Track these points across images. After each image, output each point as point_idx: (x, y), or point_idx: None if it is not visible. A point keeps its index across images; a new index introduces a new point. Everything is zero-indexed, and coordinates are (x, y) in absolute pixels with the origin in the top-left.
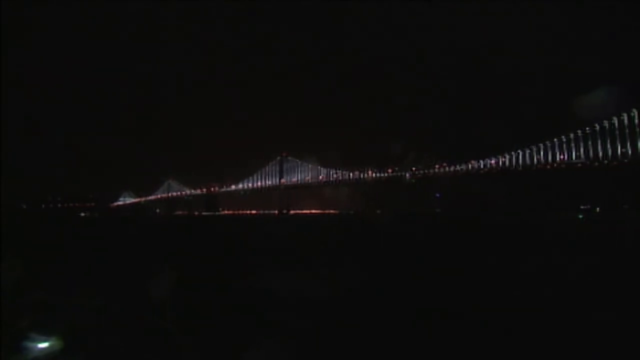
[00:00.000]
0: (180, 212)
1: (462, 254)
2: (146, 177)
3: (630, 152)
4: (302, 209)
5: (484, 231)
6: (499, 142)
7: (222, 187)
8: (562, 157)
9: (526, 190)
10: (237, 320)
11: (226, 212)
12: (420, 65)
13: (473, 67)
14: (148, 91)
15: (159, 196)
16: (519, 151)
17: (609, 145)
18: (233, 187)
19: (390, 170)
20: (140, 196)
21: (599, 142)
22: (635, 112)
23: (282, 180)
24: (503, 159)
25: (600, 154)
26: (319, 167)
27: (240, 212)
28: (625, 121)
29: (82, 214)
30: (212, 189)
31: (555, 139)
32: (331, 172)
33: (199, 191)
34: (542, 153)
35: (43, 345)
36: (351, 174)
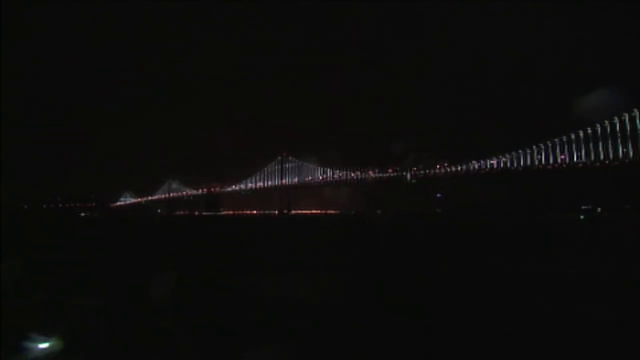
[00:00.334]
0: (180, 212)
1: (462, 254)
2: (147, 177)
3: (631, 152)
4: (302, 209)
5: (484, 231)
6: (500, 142)
7: (223, 187)
8: (562, 157)
9: (527, 190)
10: (237, 320)
11: (227, 212)
12: (421, 65)
13: (473, 68)
14: (148, 91)
15: (159, 196)
16: (520, 151)
17: (609, 146)
18: (233, 187)
19: (390, 171)
20: (140, 196)
21: (600, 142)
22: (636, 112)
23: (283, 181)
24: (504, 160)
25: (601, 154)
26: (320, 167)
27: (241, 212)
28: (626, 121)
29: (82, 214)
30: (213, 189)
31: (556, 140)
32: (331, 172)
33: (199, 191)
34: (542, 153)
35: (43, 345)
36: (351, 174)
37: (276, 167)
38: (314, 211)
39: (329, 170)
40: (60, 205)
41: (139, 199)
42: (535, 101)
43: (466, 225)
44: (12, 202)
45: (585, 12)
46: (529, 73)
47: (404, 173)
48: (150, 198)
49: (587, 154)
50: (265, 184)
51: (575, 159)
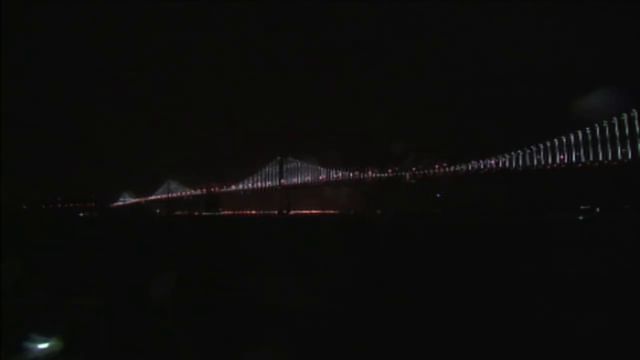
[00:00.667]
0: (180, 212)
1: (462, 254)
2: (146, 178)
3: (630, 152)
4: (302, 209)
5: (484, 231)
6: (499, 142)
7: (222, 187)
8: (561, 157)
9: (526, 190)
10: (237, 320)
11: (226, 212)
12: (421, 65)
13: (473, 68)
14: (148, 91)
15: (159, 196)
16: (519, 151)
17: (608, 146)
18: (233, 187)
19: (390, 171)
20: (140, 196)
21: (599, 142)
22: (635, 112)
23: (282, 181)
24: (503, 160)
25: (600, 154)
26: (319, 167)
27: (241, 212)
28: (625, 122)
29: (81, 214)
30: (212, 189)
31: (555, 140)
32: (331, 172)
33: (199, 191)
34: (542, 153)
35: (43, 345)
36: (351, 174)
37: (276, 167)
38: (313, 211)
39: (328, 170)
40: (59, 205)
41: (139, 199)
42: (535, 101)
43: (466, 225)
44: (12, 202)
45: (585, 12)
46: (529, 73)
47: (404, 173)
48: (149, 198)
49: (586, 154)
50: (265, 184)
51: (574, 159)
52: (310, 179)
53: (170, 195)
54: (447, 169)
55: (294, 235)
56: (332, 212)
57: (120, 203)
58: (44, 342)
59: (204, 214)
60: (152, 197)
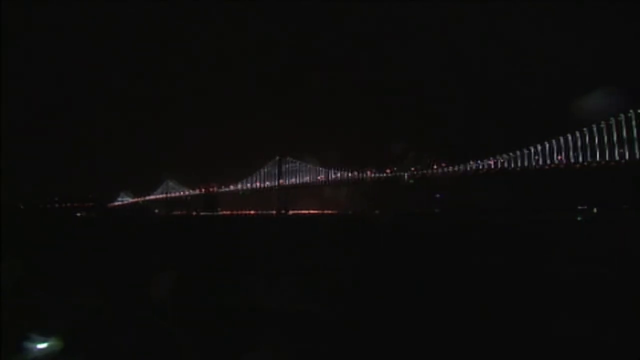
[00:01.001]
0: (178, 212)
1: (460, 254)
2: (145, 177)
3: (627, 152)
4: (300, 209)
5: (482, 232)
6: (498, 142)
7: (221, 187)
8: (559, 157)
9: (525, 190)
10: (237, 320)
11: (225, 212)
12: (420, 65)
13: (472, 68)
14: (146, 91)
15: (157, 196)
16: (518, 152)
17: (606, 146)
18: (232, 187)
19: (389, 171)
20: (138, 196)
21: (597, 142)
22: (632, 113)
23: (281, 181)
24: (502, 160)
25: (597, 154)
26: (318, 167)
27: (239, 212)
28: (623, 122)
29: (78, 214)
30: (211, 189)
31: (553, 140)
32: (330, 172)
33: (197, 191)
34: (540, 154)
35: (42, 345)
36: (350, 174)
37: (274, 167)
38: (312, 211)
39: (327, 170)
40: (57, 205)
41: (137, 199)
42: (534, 101)
43: (465, 225)
44: (12, 202)
45: (585, 12)
46: (528, 73)
47: (402, 173)
48: (148, 198)
49: (585, 155)
50: (264, 184)
51: (572, 159)
52: (308, 179)
53: (168, 195)
54: (445, 169)
55: (292, 235)
56: (330, 212)
57: (119, 203)
58: (43, 341)
59: (202, 214)
60: (151, 197)
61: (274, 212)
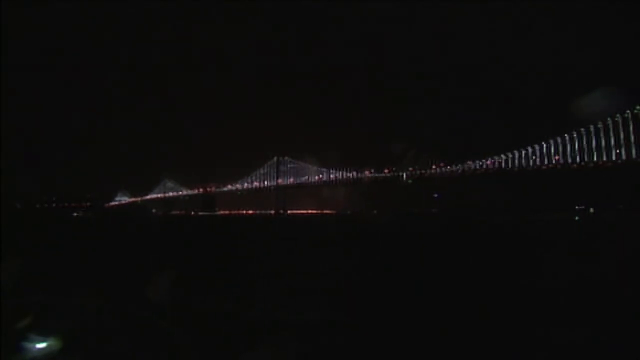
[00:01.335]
0: (176, 212)
1: (458, 255)
2: (143, 177)
3: (624, 152)
4: (299, 209)
5: (480, 232)
6: (496, 142)
7: (219, 186)
8: (557, 158)
9: (523, 190)
10: (237, 320)
11: (223, 212)
12: (420, 65)
13: (473, 68)
14: (145, 91)
15: (155, 196)
16: (515, 152)
17: (603, 146)
18: (230, 187)
19: (387, 171)
20: (136, 196)
21: (594, 143)
22: (629, 113)
23: (279, 180)
24: (499, 160)
25: (594, 155)
26: (317, 167)
27: (238, 212)
28: (620, 123)
29: (75, 214)
30: (209, 188)
31: (550, 140)
32: (328, 172)
33: (195, 191)
34: (537, 153)
35: (41, 345)
36: (348, 174)
37: (273, 167)
38: (310, 211)
39: (325, 170)
40: (54, 205)
41: (135, 199)
42: (531, 101)
43: (463, 226)
44: (11, 202)
45: (585, 12)
46: (528, 73)
47: (401, 173)
48: (146, 198)
49: (581, 155)
50: (262, 184)
51: (569, 159)
52: (307, 179)
53: (166, 194)
54: (443, 169)
55: (290, 235)
56: (328, 212)
57: (116, 203)
58: (42, 341)
59: (200, 213)
60: (149, 197)
61: (272, 212)
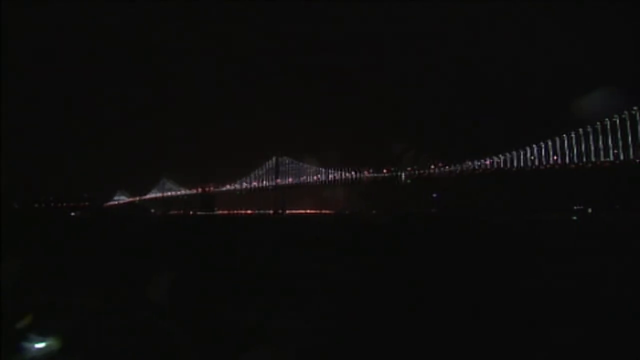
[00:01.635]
0: (175, 212)
1: (457, 255)
2: (141, 177)
3: (622, 153)
4: (297, 209)
5: (479, 231)
6: (495, 142)
7: (218, 186)
8: (555, 158)
9: (521, 190)
10: (237, 320)
11: (222, 212)
12: (419, 65)
13: (471, 68)
14: (144, 91)
15: (154, 196)
16: (514, 152)
17: (601, 147)
18: (228, 186)
19: (386, 171)
20: (135, 196)
21: (592, 143)
22: (626, 114)
23: (278, 180)
24: (498, 160)
25: (592, 155)
26: (316, 167)
27: (236, 212)
28: (617, 123)
29: (73, 214)
30: (208, 188)
31: (548, 140)
32: (327, 172)
33: (194, 191)
34: (535, 154)
35: (40, 345)
36: (347, 174)
37: (272, 167)
38: (309, 211)
39: (324, 170)
40: (52, 204)
41: (133, 199)
42: (529, 101)
43: (461, 226)
44: (10, 202)
45: (584, 12)
46: (524, 73)
47: (400, 173)
48: (144, 197)
49: (580, 155)
50: (261, 184)
51: (567, 159)
52: (306, 179)
53: (165, 194)
54: (442, 169)
55: (289, 235)
56: (327, 212)
57: (115, 202)
58: (41, 341)
59: (199, 213)
60: (147, 197)
61: (271, 211)
